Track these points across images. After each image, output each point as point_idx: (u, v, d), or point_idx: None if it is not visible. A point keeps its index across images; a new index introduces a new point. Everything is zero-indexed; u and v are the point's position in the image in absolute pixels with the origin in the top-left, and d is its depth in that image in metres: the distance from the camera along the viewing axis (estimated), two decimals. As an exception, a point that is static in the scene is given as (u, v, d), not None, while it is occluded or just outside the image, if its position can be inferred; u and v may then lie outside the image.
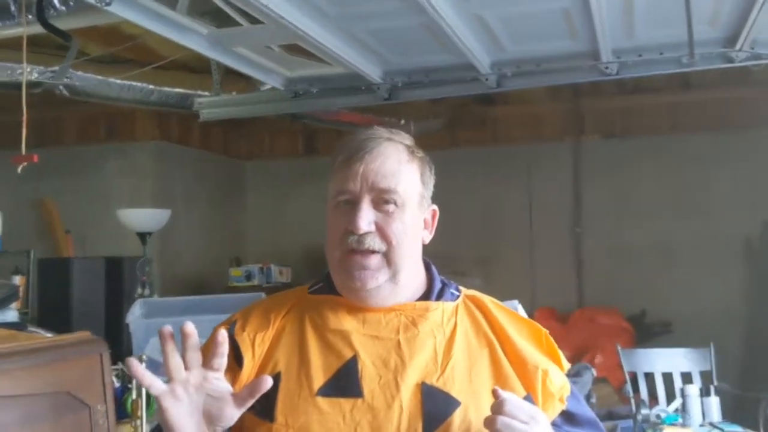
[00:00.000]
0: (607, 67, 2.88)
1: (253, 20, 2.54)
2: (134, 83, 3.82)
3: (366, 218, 1.10)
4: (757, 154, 4.90)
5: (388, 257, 1.12)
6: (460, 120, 5.49)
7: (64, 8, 2.44)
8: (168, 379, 0.97)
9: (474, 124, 5.70)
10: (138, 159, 5.04)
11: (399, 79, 3.18)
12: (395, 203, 1.12)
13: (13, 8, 2.56)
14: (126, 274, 4.08)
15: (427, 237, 1.21)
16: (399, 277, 1.13)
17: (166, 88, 3.91)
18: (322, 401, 1.07)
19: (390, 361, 1.09)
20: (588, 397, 3.07)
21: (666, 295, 5.13)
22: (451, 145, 5.58)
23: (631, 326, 5.07)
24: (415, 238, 1.17)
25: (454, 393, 1.08)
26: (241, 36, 2.70)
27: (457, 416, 1.07)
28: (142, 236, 4.14)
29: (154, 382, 0.95)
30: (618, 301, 5.21)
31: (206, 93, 3.75)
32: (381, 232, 1.12)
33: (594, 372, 3.21)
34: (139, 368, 0.93)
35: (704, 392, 3.33)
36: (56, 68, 3.56)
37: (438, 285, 1.19)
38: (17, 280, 3.34)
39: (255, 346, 1.12)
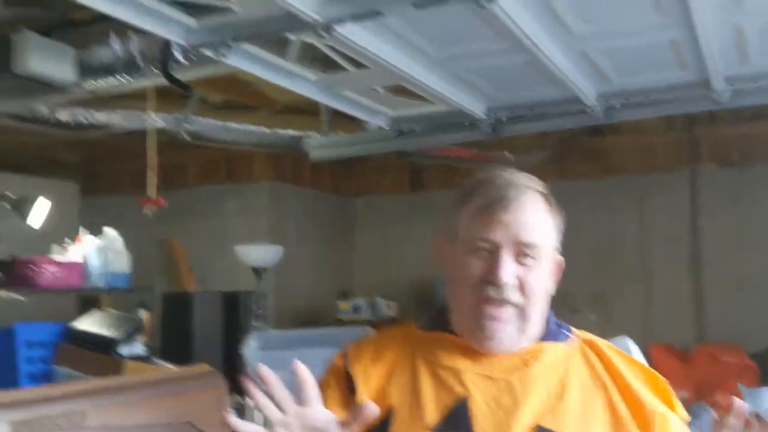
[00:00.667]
0: (720, 96, 2.79)
1: (358, 64, 2.65)
2: (250, 127, 4.04)
3: (510, 271, 1.11)
4: None
5: (523, 311, 1.12)
6: (568, 152, 5.41)
7: (186, 62, 2.63)
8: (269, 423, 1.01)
9: (583, 156, 5.61)
10: (254, 198, 5.28)
11: (502, 114, 3.19)
12: (535, 257, 1.13)
13: (139, 61, 2.78)
14: (242, 308, 4.24)
15: (551, 288, 1.20)
16: (527, 329, 1.13)
17: (279, 131, 4.10)
18: None
19: (502, 402, 1.09)
20: (706, 440, 2.92)
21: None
22: (558, 178, 5.49)
23: (756, 364, 4.78)
24: (546, 291, 1.17)
25: None
26: (347, 80, 2.80)
27: None
28: (257, 271, 4.31)
29: (267, 407, 1.00)
30: (741, 338, 4.92)
31: (316, 134, 3.91)
32: (521, 285, 1.12)
33: (713, 414, 3.04)
34: (253, 389, 0.97)
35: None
36: (179, 116, 3.82)
37: (553, 327, 1.19)
38: (143, 314, 3.56)
39: (369, 378, 1.15)
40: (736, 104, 2.83)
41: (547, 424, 1.07)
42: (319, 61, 2.71)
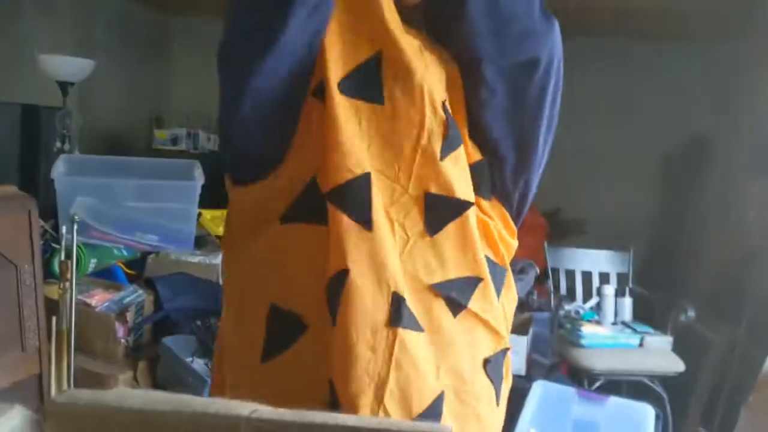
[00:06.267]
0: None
1: None
2: None
3: None
4: (690, 69, 5.00)
5: None
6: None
7: None
8: None
9: None
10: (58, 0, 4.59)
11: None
12: None
13: None
14: (43, 126, 3.80)
15: None
16: None
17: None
18: (341, 98, 1.02)
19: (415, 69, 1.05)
20: (530, 294, 3.18)
21: (582, 196, 5.26)
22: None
23: (545, 222, 5.21)
24: None
25: None
26: None
27: None
28: (63, 86, 3.83)
29: None
30: (535, 198, 5.31)
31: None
32: None
33: (538, 270, 3.32)
34: None
35: (619, 293, 3.52)
36: None
37: None
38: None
39: None
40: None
41: None
42: None
